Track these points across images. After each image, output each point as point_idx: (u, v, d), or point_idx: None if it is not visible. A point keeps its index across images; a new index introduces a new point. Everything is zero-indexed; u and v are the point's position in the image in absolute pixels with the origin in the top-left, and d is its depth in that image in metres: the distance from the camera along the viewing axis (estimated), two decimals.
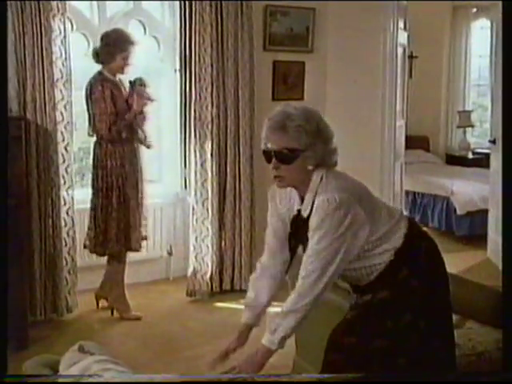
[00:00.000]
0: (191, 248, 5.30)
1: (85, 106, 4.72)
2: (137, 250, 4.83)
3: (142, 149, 4.84)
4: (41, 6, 4.52)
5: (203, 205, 5.26)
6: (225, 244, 5.38)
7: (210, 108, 5.18)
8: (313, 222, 2.40)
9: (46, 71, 4.60)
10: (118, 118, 4.63)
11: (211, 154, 5.23)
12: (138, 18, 5.50)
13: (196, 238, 5.27)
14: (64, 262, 4.79)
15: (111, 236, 4.70)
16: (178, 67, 5.36)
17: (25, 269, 4.36)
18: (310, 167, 2.44)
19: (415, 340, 2.50)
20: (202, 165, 5.25)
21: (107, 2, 5.35)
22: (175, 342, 4.46)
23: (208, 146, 5.23)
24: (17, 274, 4.19)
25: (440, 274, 2.63)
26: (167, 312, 4.99)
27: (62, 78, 4.69)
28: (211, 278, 5.31)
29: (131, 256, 4.89)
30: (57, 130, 4.69)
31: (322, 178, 2.46)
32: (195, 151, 5.23)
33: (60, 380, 2.08)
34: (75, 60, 4.86)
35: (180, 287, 5.35)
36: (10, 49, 4.45)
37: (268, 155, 2.44)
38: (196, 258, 5.30)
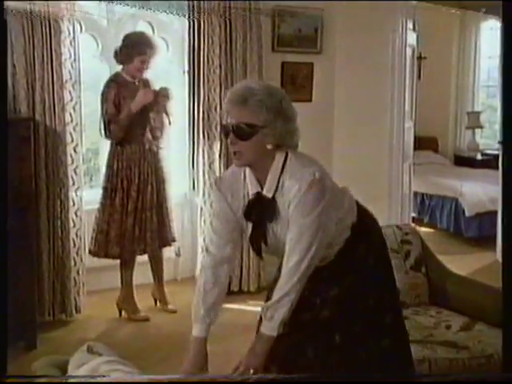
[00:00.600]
0: (199, 249, 5.30)
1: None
2: (144, 252, 4.86)
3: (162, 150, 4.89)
4: (49, 7, 4.54)
5: (211, 206, 5.26)
6: None
7: (218, 109, 5.18)
8: (290, 200, 2.34)
9: (55, 72, 4.61)
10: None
11: (219, 155, 5.24)
12: (147, 19, 5.51)
13: (204, 239, 5.27)
14: (72, 263, 4.80)
15: (110, 238, 4.73)
16: (186, 68, 5.37)
17: (33, 269, 4.37)
18: (269, 146, 2.35)
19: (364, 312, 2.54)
20: (210, 166, 5.26)
21: (116, 3, 5.35)
22: (183, 343, 4.42)
23: (216, 146, 5.23)
24: (25, 274, 4.20)
25: (387, 252, 2.71)
26: (177, 313, 4.99)
27: (70, 79, 4.70)
28: None
29: (139, 257, 4.90)
30: (66, 131, 4.70)
31: (287, 157, 2.40)
32: (203, 152, 5.24)
33: (71, 380, 2.08)
34: (84, 61, 4.88)
35: (188, 288, 5.33)
36: (19, 51, 4.47)
37: (226, 130, 2.36)
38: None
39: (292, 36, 5.65)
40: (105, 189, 4.75)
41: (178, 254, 5.61)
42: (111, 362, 2.21)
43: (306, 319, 2.51)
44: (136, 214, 4.75)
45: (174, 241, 5.06)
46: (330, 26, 5.77)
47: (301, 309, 2.41)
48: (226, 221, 2.50)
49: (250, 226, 2.48)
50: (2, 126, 1.51)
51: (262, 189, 2.42)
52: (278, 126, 2.33)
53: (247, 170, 2.46)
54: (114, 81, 4.72)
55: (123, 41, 4.76)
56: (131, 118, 4.64)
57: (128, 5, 5.05)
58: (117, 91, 4.67)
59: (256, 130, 2.31)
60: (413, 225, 5.18)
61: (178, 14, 5.16)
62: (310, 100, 5.80)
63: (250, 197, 2.44)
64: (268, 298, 2.49)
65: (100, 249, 4.77)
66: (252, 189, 2.45)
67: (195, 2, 5.10)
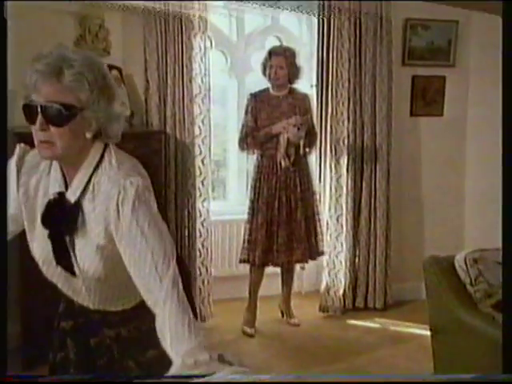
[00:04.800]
0: (324, 263, 5.27)
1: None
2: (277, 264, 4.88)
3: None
4: (183, 25, 4.68)
5: (338, 220, 5.22)
6: (358, 261, 5.30)
7: (346, 123, 5.14)
8: (107, 208, 1.80)
9: (185, 87, 4.74)
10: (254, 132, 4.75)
11: (347, 170, 5.18)
12: (276, 34, 5.56)
13: (330, 254, 5.23)
14: (198, 272, 4.89)
15: (256, 247, 4.75)
16: (314, 82, 5.36)
17: None
18: (89, 134, 1.83)
19: None
20: (337, 180, 5.21)
21: (246, 19, 5.44)
22: (308, 357, 4.42)
23: (344, 161, 5.18)
24: None
25: None
26: (300, 327, 4.97)
27: (200, 93, 4.82)
28: (344, 294, 5.25)
29: (267, 269, 4.92)
30: (194, 144, 4.82)
31: (105, 151, 1.89)
32: (330, 166, 5.20)
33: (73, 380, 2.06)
34: (212, 76, 4.98)
35: (312, 302, 5.32)
36: (152, 67, 4.65)
37: (32, 111, 1.77)
38: (329, 273, 5.26)
39: (423, 49, 5.51)
40: (251, 200, 4.81)
41: (302, 268, 5.58)
42: (242, 372, 2.20)
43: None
44: (279, 226, 4.77)
45: (321, 254, 5.05)
46: (465, 38, 5.58)
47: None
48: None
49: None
50: (2, 126, 1.59)
51: (66, 188, 1.90)
52: (101, 108, 1.82)
53: (54, 162, 1.94)
54: (255, 94, 4.83)
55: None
56: (270, 136, 4.73)
57: (257, 4, 5.07)
58: (258, 105, 4.77)
59: (74, 113, 1.77)
60: None
61: (308, 13, 5.15)
62: (442, 115, 5.63)
63: (51, 197, 1.91)
64: None
65: (247, 257, 4.82)
66: (54, 186, 1.92)
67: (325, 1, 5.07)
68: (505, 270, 2.01)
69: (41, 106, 1.75)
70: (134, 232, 1.75)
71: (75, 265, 1.94)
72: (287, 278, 5.07)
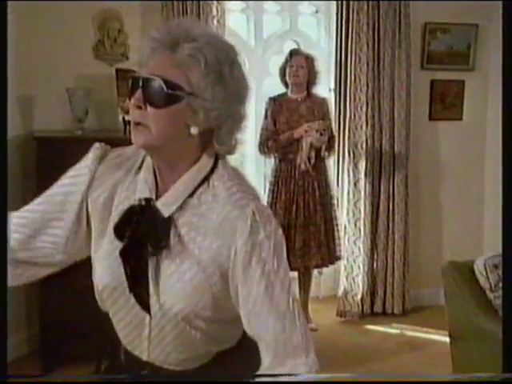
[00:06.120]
0: (342, 268, 5.25)
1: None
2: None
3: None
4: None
5: (355, 225, 5.20)
6: (377, 265, 5.28)
7: (364, 127, 5.12)
8: (211, 233, 1.48)
9: None
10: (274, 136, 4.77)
11: (365, 174, 5.16)
12: (294, 38, 5.56)
13: (347, 258, 5.21)
14: None
15: None
16: (332, 86, 5.34)
17: None
18: (194, 130, 1.47)
19: None
20: (355, 184, 5.19)
21: (264, 23, 5.45)
22: (325, 362, 4.38)
23: (362, 165, 5.17)
24: None
25: None
26: (318, 332, 4.95)
27: None
28: (362, 299, 5.22)
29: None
30: None
31: (216, 164, 1.53)
32: (348, 170, 5.18)
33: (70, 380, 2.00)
34: None
35: (330, 307, 5.30)
36: None
37: (134, 86, 1.46)
38: (347, 278, 5.24)
39: (443, 53, 5.47)
40: (268, 204, 4.78)
41: (320, 272, 5.57)
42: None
43: None
44: (297, 230, 4.76)
45: (338, 259, 5.03)
46: (484, 42, 5.54)
47: None
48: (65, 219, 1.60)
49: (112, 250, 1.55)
50: (2, 126, 1.42)
51: (157, 196, 1.54)
52: (216, 99, 1.46)
53: (148, 159, 1.58)
54: (275, 98, 4.84)
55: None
56: (292, 140, 4.73)
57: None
58: (277, 109, 4.79)
59: (178, 96, 1.44)
60: None
61: None
62: (461, 119, 5.59)
63: (134, 201, 1.54)
64: None
65: None
66: (143, 190, 1.55)
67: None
68: (505, 269, 1.99)
69: (142, 79, 1.44)
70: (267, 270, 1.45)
71: (154, 297, 1.52)
72: (305, 283, 5.06)
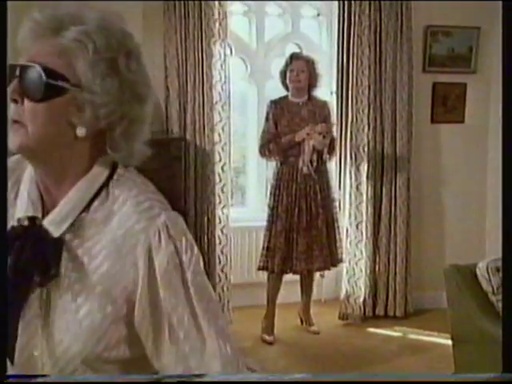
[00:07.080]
0: (344, 271, 5.24)
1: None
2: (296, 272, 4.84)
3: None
4: (203, 32, 4.70)
5: (357, 227, 5.20)
6: (379, 268, 5.27)
7: (366, 130, 5.12)
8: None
9: (205, 94, 4.76)
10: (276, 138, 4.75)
11: (367, 177, 5.16)
12: (296, 41, 5.56)
13: (349, 261, 5.21)
14: (217, 279, 4.89)
15: (274, 254, 4.72)
16: (334, 89, 5.35)
17: None
18: (81, 131, 1.21)
19: None
20: (357, 187, 5.19)
21: (266, 26, 5.45)
22: (327, 365, 4.40)
23: (364, 168, 5.16)
24: None
25: None
26: (320, 334, 4.95)
27: (220, 100, 4.84)
28: (364, 302, 5.22)
29: (286, 277, 4.90)
30: (214, 151, 4.83)
31: (113, 174, 1.27)
32: (350, 173, 5.18)
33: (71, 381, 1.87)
34: (232, 83, 5.00)
35: (332, 310, 5.29)
36: (173, 74, 4.67)
37: (12, 74, 1.19)
38: (349, 281, 5.23)
39: (444, 56, 5.47)
40: (270, 207, 4.79)
41: (322, 276, 5.56)
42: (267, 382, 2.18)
43: None
44: (299, 233, 4.74)
45: (340, 261, 5.02)
46: (486, 44, 5.54)
47: None
48: None
49: None
50: (2, 126, 1.28)
51: (43, 213, 1.26)
52: (106, 93, 1.21)
53: (29, 167, 1.30)
54: (275, 101, 4.82)
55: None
56: (294, 143, 4.71)
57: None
58: (278, 112, 4.76)
59: (60, 88, 1.19)
60: None
61: None
62: (463, 121, 5.59)
63: (15, 223, 1.24)
64: None
65: (265, 264, 4.80)
66: (23, 208, 1.27)
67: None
68: (505, 269, 1.98)
69: (20, 68, 1.19)
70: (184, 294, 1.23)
71: (43, 339, 1.23)
72: (307, 286, 5.05)
